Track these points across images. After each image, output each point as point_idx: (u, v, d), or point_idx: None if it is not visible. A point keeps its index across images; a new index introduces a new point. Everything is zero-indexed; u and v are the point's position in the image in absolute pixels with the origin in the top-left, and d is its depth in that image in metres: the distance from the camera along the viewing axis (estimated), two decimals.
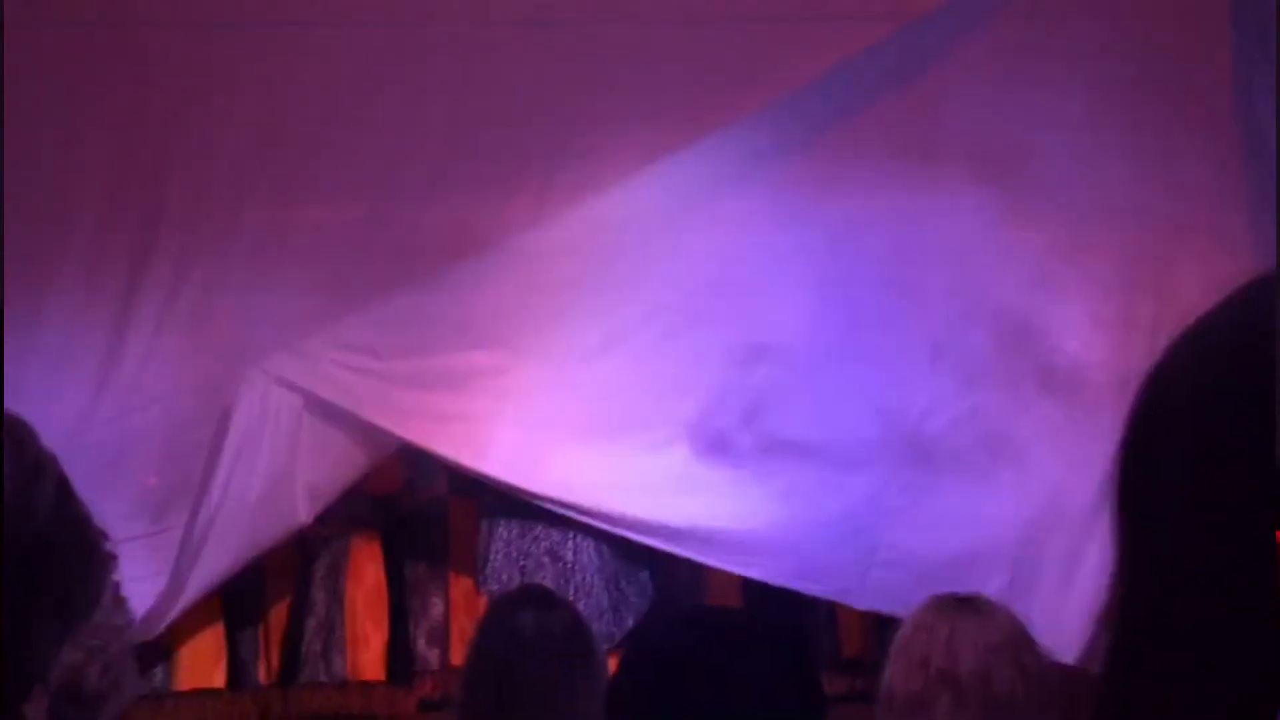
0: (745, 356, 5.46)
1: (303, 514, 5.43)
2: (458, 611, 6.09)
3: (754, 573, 5.49)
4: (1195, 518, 0.79)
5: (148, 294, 5.30)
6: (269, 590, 6.03)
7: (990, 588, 4.20)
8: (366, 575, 6.05)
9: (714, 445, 5.44)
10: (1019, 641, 2.80)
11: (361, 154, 5.33)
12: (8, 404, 1.26)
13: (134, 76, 5.24)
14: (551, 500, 5.48)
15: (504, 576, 5.65)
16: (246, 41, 5.24)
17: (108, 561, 1.29)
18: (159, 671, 5.78)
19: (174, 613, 5.37)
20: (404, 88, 5.31)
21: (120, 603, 2.14)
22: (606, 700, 1.89)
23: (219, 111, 5.28)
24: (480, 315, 5.45)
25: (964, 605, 2.85)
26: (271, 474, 5.32)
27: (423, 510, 6.08)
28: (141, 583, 5.00)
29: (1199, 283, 5.07)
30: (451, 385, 5.46)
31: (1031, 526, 5.30)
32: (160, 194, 5.30)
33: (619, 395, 5.47)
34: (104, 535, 1.30)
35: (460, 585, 6.08)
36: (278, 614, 6.03)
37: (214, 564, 5.33)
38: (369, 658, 5.99)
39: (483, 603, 5.82)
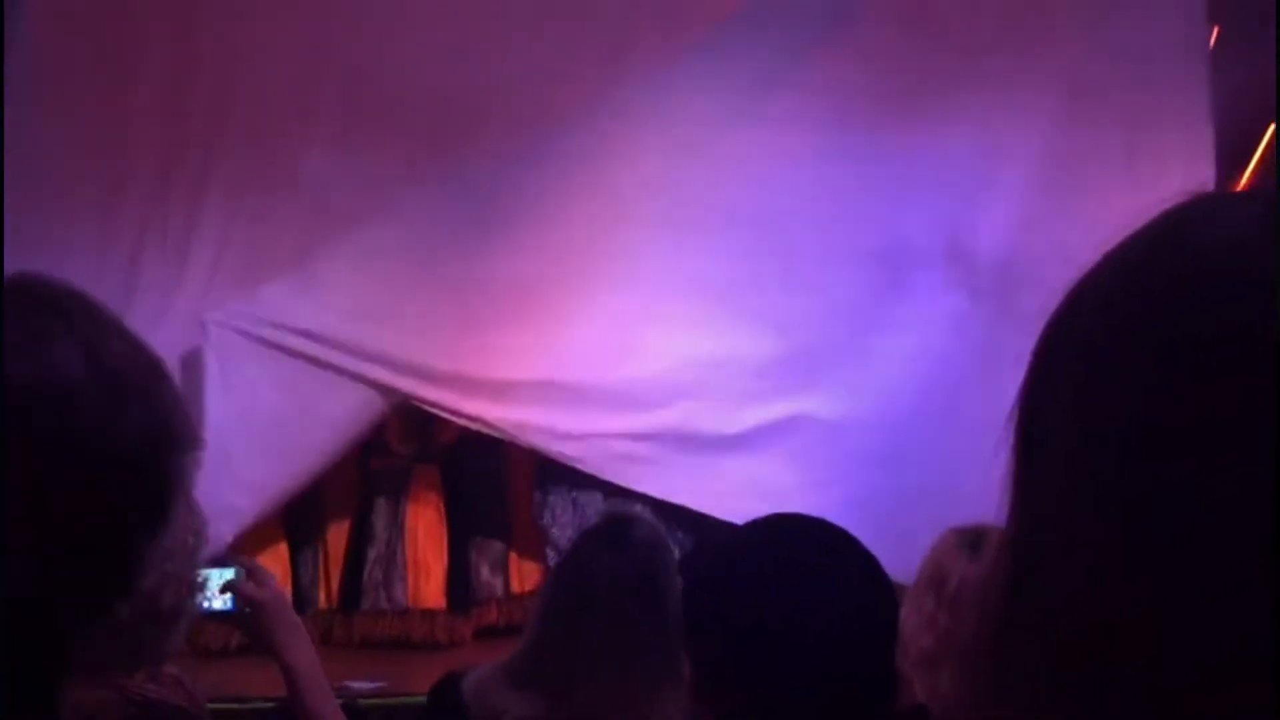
0: None
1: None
2: (519, 540, 6.15)
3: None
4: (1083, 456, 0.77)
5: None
6: (329, 518, 6.11)
7: None
8: (428, 506, 6.12)
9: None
10: None
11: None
12: None
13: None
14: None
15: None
16: None
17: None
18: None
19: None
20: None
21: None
22: (687, 624, 1.86)
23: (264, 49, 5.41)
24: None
25: (974, 548, 2.63)
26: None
27: (481, 443, 6.15)
28: None
29: None
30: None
31: None
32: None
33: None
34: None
35: (520, 516, 6.14)
36: (337, 542, 6.12)
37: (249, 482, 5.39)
38: (431, 587, 6.06)
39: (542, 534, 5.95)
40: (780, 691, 1.71)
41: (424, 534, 6.09)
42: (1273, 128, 5.46)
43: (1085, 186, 5.34)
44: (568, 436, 5.65)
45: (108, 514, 1.08)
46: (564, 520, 5.90)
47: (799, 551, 1.81)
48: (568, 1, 5.57)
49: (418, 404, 5.69)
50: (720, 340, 5.64)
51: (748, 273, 5.62)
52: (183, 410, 1.14)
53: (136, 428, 1.09)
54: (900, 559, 2.12)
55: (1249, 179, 5.49)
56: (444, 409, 5.68)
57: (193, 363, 5.37)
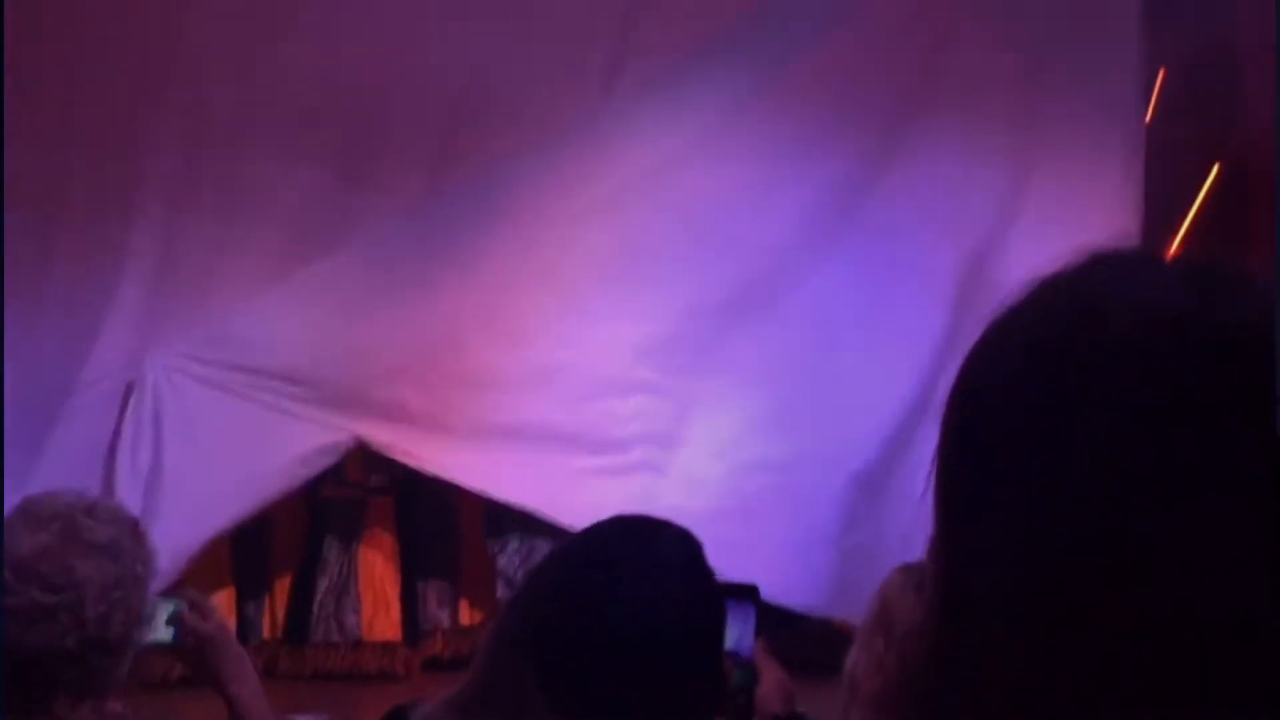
0: None
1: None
2: (467, 573, 6.14)
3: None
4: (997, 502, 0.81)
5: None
6: (276, 550, 6.07)
7: None
8: (382, 538, 6.10)
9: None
10: None
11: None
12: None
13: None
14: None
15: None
16: None
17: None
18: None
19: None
20: None
21: (142, 551, 2.17)
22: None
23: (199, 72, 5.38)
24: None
25: (923, 588, 2.62)
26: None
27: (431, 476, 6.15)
28: None
29: None
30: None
31: None
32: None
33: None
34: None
35: (470, 548, 6.13)
36: (283, 572, 6.08)
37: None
38: (386, 619, 6.04)
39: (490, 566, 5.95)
40: (599, 690, 1.74)
41: (380, 566, 6.07)
42: (1214, 171, 5.55)
43: (1048, 221, 5.42)
44: (522, 480, 5.62)
45: None
46: (513, 552, 5.90)
47: (616, 550, 1.85)
48: (540, 29, 5.54)
49: (374, 447, 5.68)
50: (689, 384, 5.64)
51: (718, 307, 5.62)
52: None
53: None
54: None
55: (1188, 228, 5.56)
56: (401, 454, 5.66)
57: (141, 393, 5.34)
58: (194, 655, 2.37)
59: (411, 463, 5.70)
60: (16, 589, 2.04)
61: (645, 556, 1.84)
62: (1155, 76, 5.53)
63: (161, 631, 2.35)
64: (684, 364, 5.65)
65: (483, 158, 5.55)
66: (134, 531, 2.16)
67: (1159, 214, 5.43)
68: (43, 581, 2.04)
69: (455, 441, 5.60)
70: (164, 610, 2.36)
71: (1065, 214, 5.33)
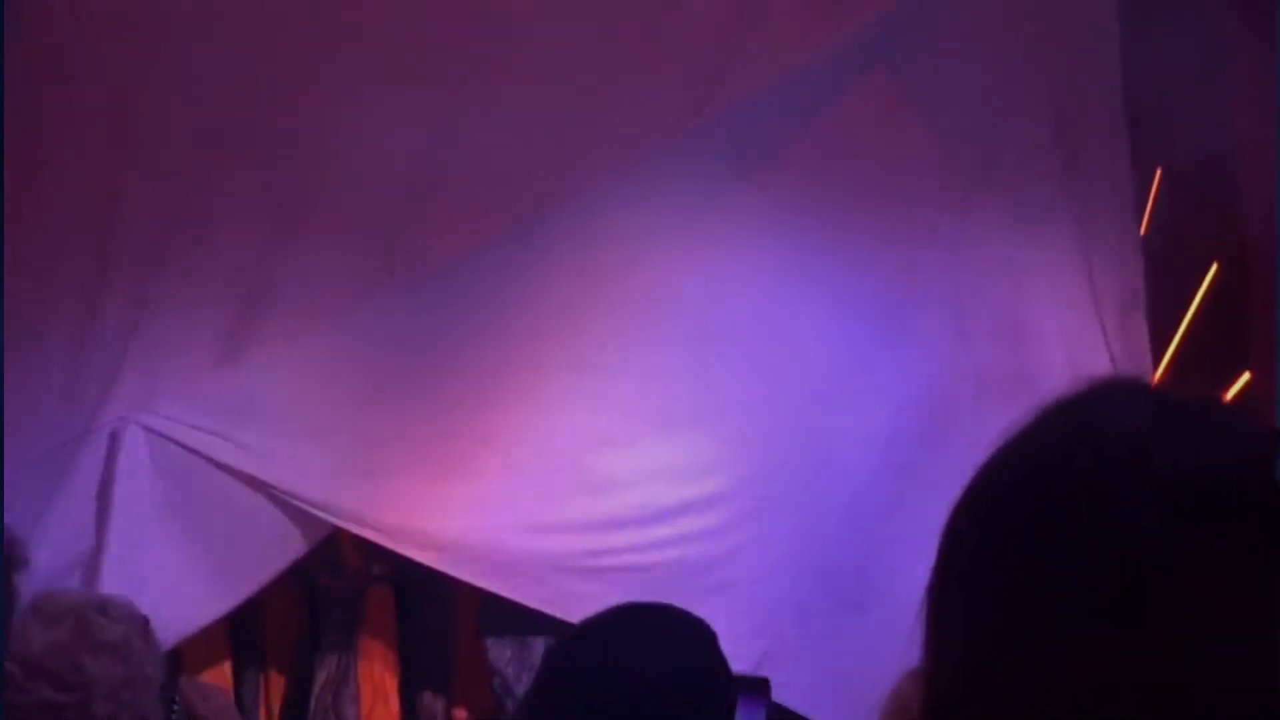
0: None
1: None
2: (463, 663, 6.11)
3: None
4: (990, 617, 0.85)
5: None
6: (271, 639, 6.03)
7: None
8: (383, 628, 6.06)
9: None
10: None
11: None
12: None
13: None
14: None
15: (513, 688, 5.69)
16: None
17: None
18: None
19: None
20: None
21: (151, 652, 2.17)
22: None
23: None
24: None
25: None
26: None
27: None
28: None
29: None
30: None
31: None
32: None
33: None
34: None
35: (465, 637, 6.10)
36: (280, 663, 6.04)
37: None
38: (385, 710, 5.99)
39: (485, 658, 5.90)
40: None
41: (380, 657, 6.03)
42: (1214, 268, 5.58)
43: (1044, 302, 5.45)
44: (514, 577, 5.56)
45: None
46: (506, 645, 5.84)
47: (634, 635, 1.87)
48: (537, 102, 5.48)
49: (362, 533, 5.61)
50: (682, 473, 5.60)
51: (711, 395, 5.59)
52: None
53: None
54: None
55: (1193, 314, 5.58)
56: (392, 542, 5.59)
57: (121, 462, 5.24)
58: None
59: (402, 551, 5.60)
60: (25, 686, 2.03)
61: (661, 643, 1.85)
62: (1150, 179, 5.58)
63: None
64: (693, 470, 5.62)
65: (468, 250, 5.50)
66: (144, 631, 2.16)
67: (1159, 316, 5.46)
68: (53, 679, 2.03)
69: (447, 532, 5.51)
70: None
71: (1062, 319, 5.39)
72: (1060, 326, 5.49)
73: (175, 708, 2.37)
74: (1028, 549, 0.83)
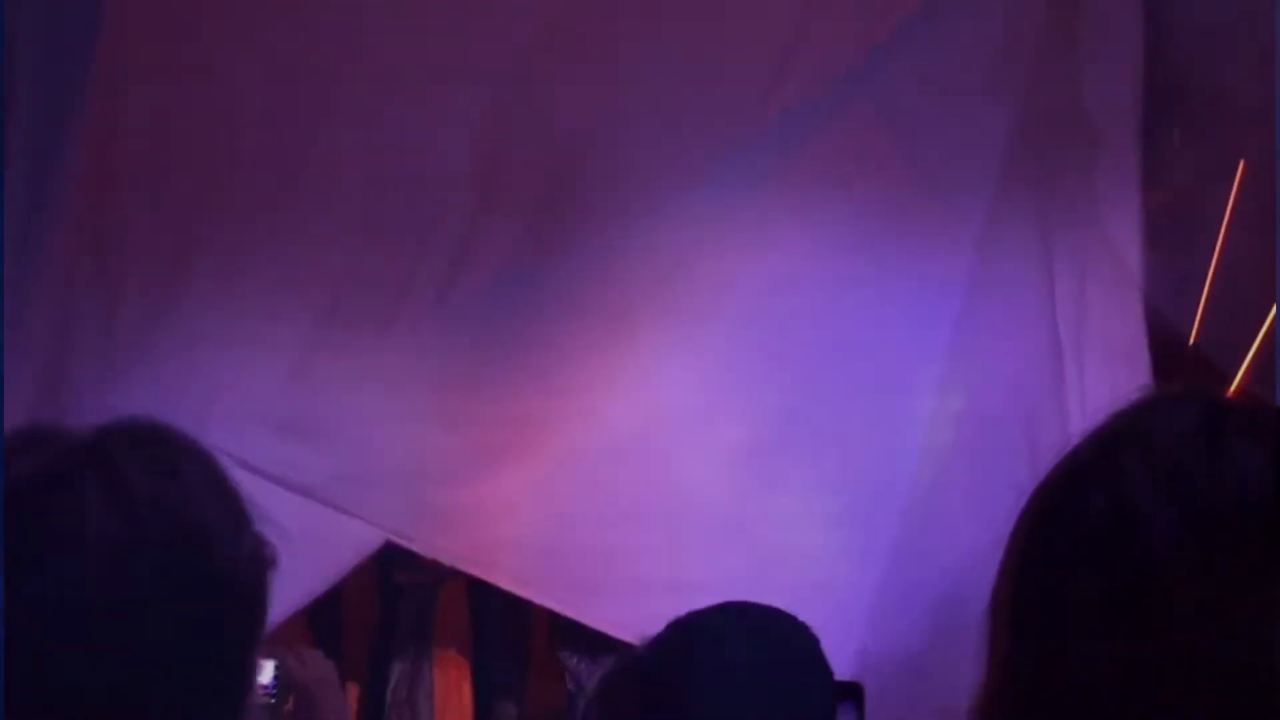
0: None
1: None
2: (534, 664, 6.14)
3: None
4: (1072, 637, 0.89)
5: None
6: (349, 632, 6.09)
7: None
8: (456, 623, 6.11)
9: None
10: None
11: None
12: None
13: None
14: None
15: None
16: None
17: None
18: None
19: None
20: None
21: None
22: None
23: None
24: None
25: None
26: None
27: None
28: None
29: None
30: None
31: None
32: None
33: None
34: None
35: (539, 634, 6.14)
36: (357, 656, 6.10)
37: None
38: (459, 705, 6.04)
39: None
40: None
41: (454, 650, 6.08)
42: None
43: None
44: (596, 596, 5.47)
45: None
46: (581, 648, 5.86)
47: (732, 636, 1.84)
48: (598, 102, 5.42)
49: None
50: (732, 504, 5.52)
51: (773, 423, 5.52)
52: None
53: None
54: None
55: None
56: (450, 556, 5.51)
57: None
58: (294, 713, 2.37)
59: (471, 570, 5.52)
60: None
61: (762, 645, 1.83)
62: None
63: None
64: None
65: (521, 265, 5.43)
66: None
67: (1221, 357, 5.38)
68: None
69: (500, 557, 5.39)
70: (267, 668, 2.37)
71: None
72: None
73: (277, 673, 2.39)
74: (1060, 561, 0.88)
